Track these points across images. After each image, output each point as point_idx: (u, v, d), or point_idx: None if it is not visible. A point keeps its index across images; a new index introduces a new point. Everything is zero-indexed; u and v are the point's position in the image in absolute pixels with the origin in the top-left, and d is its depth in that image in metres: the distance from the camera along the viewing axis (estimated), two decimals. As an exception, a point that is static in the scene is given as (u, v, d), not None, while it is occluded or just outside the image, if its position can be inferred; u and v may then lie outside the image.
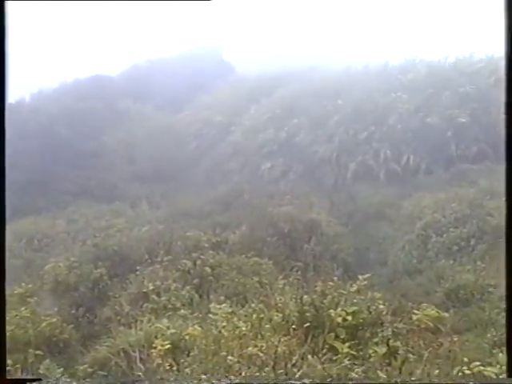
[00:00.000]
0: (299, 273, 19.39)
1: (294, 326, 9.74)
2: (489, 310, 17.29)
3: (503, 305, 17.04)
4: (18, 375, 11.81)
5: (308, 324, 9.70)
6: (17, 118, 42.01)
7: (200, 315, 14.54)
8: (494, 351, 13.30)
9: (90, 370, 12.95)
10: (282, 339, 8.82)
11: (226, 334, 10.34)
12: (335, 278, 13.27)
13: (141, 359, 11.62)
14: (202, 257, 19.55)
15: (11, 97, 43.76)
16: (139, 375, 10.95)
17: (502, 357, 7.47)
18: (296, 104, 42.29)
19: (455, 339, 9.31)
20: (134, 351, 12.11)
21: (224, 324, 11.34)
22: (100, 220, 27.68)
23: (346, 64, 45.82)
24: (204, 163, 41.99)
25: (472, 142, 34.49)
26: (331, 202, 31.82)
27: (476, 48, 43.05)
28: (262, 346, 8.47)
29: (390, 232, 28.23)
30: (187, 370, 9.06)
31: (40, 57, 55.09)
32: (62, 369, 13.00)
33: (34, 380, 4.85)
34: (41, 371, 12.30)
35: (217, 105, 50.22)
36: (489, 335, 14.81)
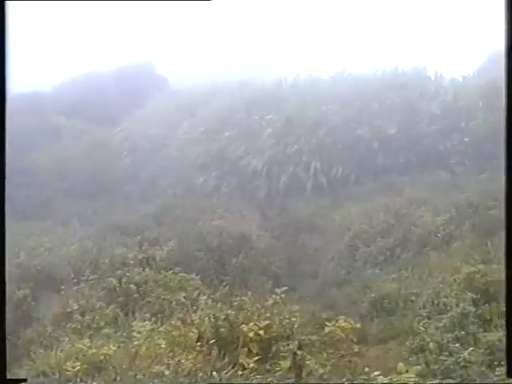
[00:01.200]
0: (226, 287, 19.44)
1: (207, 342, 9.79)
2: (410, 319, 17.65)
3: (424, 312, 17.51)
4: None
5: (220, 339, 9.77)
6: None
7: (124, 333, 14.43)
8: (411, 358, 13.68)
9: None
10: (191, 356, 8.89)
11: (142, 351, 10.34)
12: (253, 293, 13.39)
13: (59, 381, 11.49)
14: (127, 274, 19.37)
15: None
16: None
17: (402, 366, 7.66)
18: (229, 117, 42.52)
19: (356, 350, 9.54)
20: (54, 373, 11.98)
21: (142, 342, 11.32)
22: (28, 239, 27.11)
23: (277, 77, 46.23)
24: (138, 178, 41.74)
25: (399, 152, 35.31)
26: (263, 214, 32.06)
27: (401, 61, 44.19)
28: (169, 364, 8.51)
29: (321, 243, 28.57)
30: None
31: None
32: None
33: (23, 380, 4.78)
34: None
35: (152, 119, 50.02)
36: (407, 343, 15.12)
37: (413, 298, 19.08)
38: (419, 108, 38.24)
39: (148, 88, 58.37)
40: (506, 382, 4.73)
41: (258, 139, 39.35)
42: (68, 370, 10.27)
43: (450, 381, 12.66)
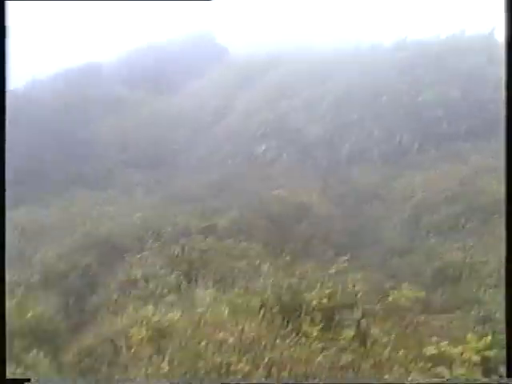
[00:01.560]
0: (288, 256, 19.40)
1: (270, 310, 9.79)
2: (476, 288, 17.30)
3: (491, 281, 17.13)
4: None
5: (283, 307, 9.75)
6: (10, 107, 41.89)
7: (187, 301, 14.58)
8: (476, 328, 13.40)
9: (75, 359, 13.01)
10: (254, 323, 8.89)
11: (205, 319, 10.41)
12: (317, 261, 13.32)
13: (126, 347, 11.72)
14: (190, 242, 19.60)
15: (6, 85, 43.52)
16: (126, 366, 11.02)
17: (472, 334, 7.49)
18: (289, 86, 42.23)
19: (423, 318, 9.38)
20: (119, 339, 12.22)
21: (205, 309, 11.41)
22: (92, 208, 27.66)
23: (336, 45, 45.63)
24: (198, 148, 41.89)
25: (463, 119, 34.38)
26: (324, 183, 31.75)
27: (466, 25, 42.83)
28: (233, 332, 8.53)
29: (383, 212, 28.17)
30: (162, 357, 9.11)
31: (31, 46, 54.63)
32: (48, 359, 13.04)
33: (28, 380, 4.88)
34: (28, 362, 12.36)
35: (210, 89, 50.18)
36: (473, 312, 14.84)
37: (479, 267, 18.68)
38: (485, 73, 37.02)
39: (208, 58, 58.48)
40: (507, 382, 4.53)
41: (319, 108, 38.93)
42: (138, 335, 10.44)
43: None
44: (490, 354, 7.57)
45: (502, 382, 5.20)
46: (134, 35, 61.82)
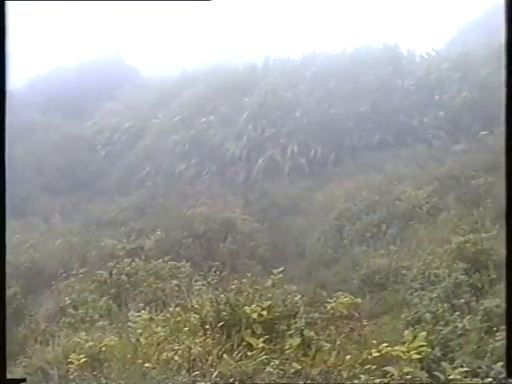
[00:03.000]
0: (217, 272, 19.44)
1: (210, 327, 9.77)
2: (403, 292, 17.77)
3: (416, 285, 17.65)
4: None
5: (224, 322, 9.75)
6: None
7: (119, 324, 14.36)
8: (407, 331, 13.79)
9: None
10: (198, 340, 8.87)
11: (143, 341, 10.29)
12: (251, 275, 13.38)
13: (59, 376, 11.42)
14: (117, 265, 19.30)
15: None
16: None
17: (408, 333, 7.74)
18: (203, 104, 42.41)
19: (365, 323, 9.60)
20: (52, 368, 11.88)
21: (141, 331, 11.27)
22: (11, 236, 26.79)
23: (248, 61, 46.06)
24: (116, 170, 41.46)
25: (375, 130, 35.48)
26: (245, 199, 32.03)
27: (372, 38, 44.25)
28: (177, 350, 8.48)
29: (306, 224, 28.64)
30: (104, 381, 8.96)
31: None
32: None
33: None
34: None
35: (124, 110, 49.66)
36: (403, 316, 15.24)
37: (404, 272, 19.19)
38: (392, 84, 38.38)
39: (118, 79, 57.87)
40: (507, 382, 4.76)
41: (235, 124, 39.27)
42: (72, 363, 10.18)
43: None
44: (428, 350, 7.83)
45: (502, 382, 5.39)
46: (41, 59, 60.51)
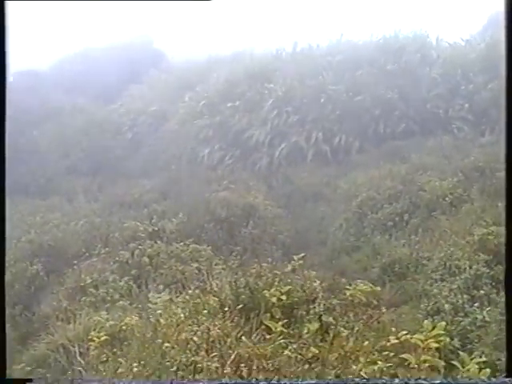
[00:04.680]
0: (238, 257, 19.55)
1: (229, 309, 9.82)
2: (423, 282, 17.75)
3: (436, 276, 17.60)
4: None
5: (243, 306, 9.80)
6: None
7: (139, 305, 14.52)
8: (426, 320, 13.77)
9: (28, 368, 12.78)
10: (217, 322, 8.92)
11: (163, 321, 10.38)
12: (272, 260, 13.44)
13: (80, 353, 11.58)
14: (139, 247, 19.50)
15: None
16: (79, 370, 10.93)
17: (427, 323, 7.72)
18: (229, 89, 42.29)
19: (384, 312, 9.59)
20: (73, 346, 12.06)
21: (161, 312, 11.37)
22: (35, 216, 27.16)
23: (275, 47, 45.87)
24: (141, 153, 41.59)
25: (401, 118, 35.22)
26: (268, 185, 32.06)
27: (401, 26, 43.56)
28: (196, 331, 8.53)
29: (328, 212, 28.62)
30: (122, 359, 9.05)
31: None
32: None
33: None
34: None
35: (150, 94, 49.86)
36: (422, 306, 15.26)
37: (424, 262, 19.18)
38: (420, 73, 37.99)
39: (145, 63, 57.95)
40: (506, 382, 4.72)
41: (260, 110, 39.20)
42: (92, 341, 10.33)
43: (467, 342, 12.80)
44: (446, 340, 7.81)
45: (502, 381, 5.37)
46: (69, 41, 60.63)
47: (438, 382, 5.05)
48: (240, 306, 9.72)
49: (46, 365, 12.85)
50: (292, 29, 54.17)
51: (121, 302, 15.75)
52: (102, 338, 10.66)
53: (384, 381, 6.04)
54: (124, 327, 11.33)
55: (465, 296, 14.79)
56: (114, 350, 10.24)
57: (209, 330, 8.06)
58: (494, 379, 6.37)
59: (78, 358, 11.22)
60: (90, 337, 10.99)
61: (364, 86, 37.42)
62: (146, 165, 38.68)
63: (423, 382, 4.87)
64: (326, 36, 46.24)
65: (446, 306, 14.56)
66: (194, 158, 38.41)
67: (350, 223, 26.32)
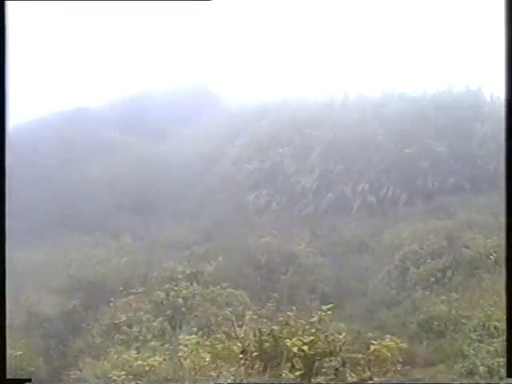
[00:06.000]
0: (274, 304, 19.42)
1: (250, 356, 9.77)
2: (461, 341, 17.30)
3: (474, 336, 17.13)
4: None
5: (265, 354, 9.74)
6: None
7: (171, 346, 14.55)
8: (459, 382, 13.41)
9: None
10: (233, 368, 8.89)
11: (186, 364, 10.39)
12: (305, 309, 13.32)
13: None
14: (175, 288, 19.59)
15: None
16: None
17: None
18: (279, 135, 42.76)
19: (404, 369, 9.39)
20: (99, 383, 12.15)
21: (187, 354, 11.38)
22: (79, 251, 27.63)
23: (326, 95, 46.20)
24: (189, 194, 42.07)
25: (449, 173, 34.83)
26: (311, 232, 31.91)
27: (454, 80, 43.44)
28: (211, 375, 8.52)
29: (371, 263, 28.28)
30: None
31: (22, 89, 55.03)
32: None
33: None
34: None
35: (203, 136, 50.66)
36: (456, 366, 14.84)
37: (463, 321, 18.70)
38: (471, 129, 37.67)
39: (199, 105, 59.04)
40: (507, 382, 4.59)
41: (308, 157, 39.39)
42: (114, 380, 10.40)
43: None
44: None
45: (502, 382, 5.23)
46: (126, 81, 62.28)
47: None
48: (262, 353, 9.66)
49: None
50: (344, 78, 54.53)
51: (152, 343, 15.78)
52: (125, 377, 10.73)
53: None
54: (147, 368, 11.37)
55: (501, 360, 14.32)
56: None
57: (220, 374, 8.04)
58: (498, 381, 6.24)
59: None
60: (115, 374, 11.08)
61: (414, 139, 37.25)
62: (193, 206, 39.08)
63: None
64: (377, 87, 46.41)
65: (481, 368, 14.13)
66: (240, 201, 38.64)
67: (392, 276, 25.93)
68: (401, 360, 10.45)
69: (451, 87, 42.82)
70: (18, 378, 10.31)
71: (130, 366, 11.93)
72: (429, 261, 25.23)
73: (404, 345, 10.98)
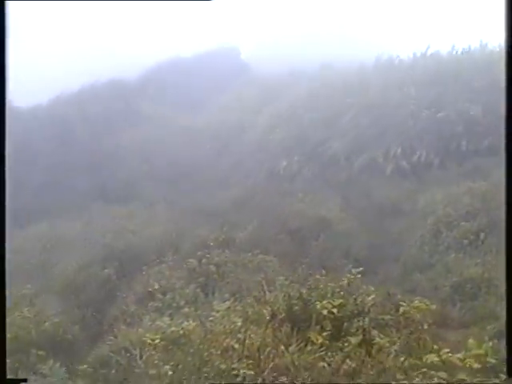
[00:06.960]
0: (305, 270, 19.44)
1: (280, 320, 9.87)
2: (493, 304, 17.23)
3: (509, 297, 17.04)
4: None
5: (294, 317, 9.83)
6: (34, 122, 42.76)
7: (204, 312, 14.72)
8: (491, 343, 13.35)
9: (90, 369, 13.18)
10: (263, 331, 8.99)
11: (218, 328, 10.54)
12: (336, 273, 13.32)
13: (140, 356, 11.88)
14: (207, 255, 19.77)
15: (30, 101, 44.41)
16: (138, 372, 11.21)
17: (472, 342, 7.54)
18: (310, 101, 42.39)
19: (434, 331, 9.40)
20: (135, 348, 12.38)
21: (219, 319, 11.54)
22: (114, 221, 27.98)
23: (357, 59, 45.54)
24: (221, 163, 42.23)
25: (484, 135, 34.16)
26: (344, 198, 31.71)
27: (488, 37, 42.39)
28: (239, 338, 8.63)
29: (404, 227, 28.07)
30: (172, 362, 9.24)
31: (57, 62, 55.42)
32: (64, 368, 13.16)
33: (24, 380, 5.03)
34: (44, 371, 12.52)
35: (234, 105, 50.63)
36: (488, 327, 14.81)
37: (497, 283, 18.59)
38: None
39: (231, 73, 58.93)
40: (507, 382, 4.56)
41: (339, 123, 39.04)
42: (150, 345, 10.58)
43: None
44: (491, 360, 7.59)
45: (502, 381, 5.22)
46: (156, 51, 62.15)
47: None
48: (291, 316, 9.76)
49: (109, 366, 13.20)
50: (375, 41, 53.79)
51: (185, 309, 15.98)
52: (160, 343, 10.93)
53: None
54: (181, 332, 11.54)
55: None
56: (167, 354, 10.46)
57: (244, 339, 8.13)
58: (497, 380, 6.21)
59: (139, 361, 11.50)
60: (149, 341, 11.26)
61: (447, 101, 36.62)
62: (225, 175, 39.20)
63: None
64: (409, 49, 45.61)
65: (513, 329, 14.04)
66: (271, 169, 38.62)
67: (425, 240, 25.75)
68: (431, 322, 10.46)
69: (485, 45, 41.85)
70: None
71: (164, 332, 12.11)
72: (462, 223, 24.98)
73: (433, 306, 10.98)
